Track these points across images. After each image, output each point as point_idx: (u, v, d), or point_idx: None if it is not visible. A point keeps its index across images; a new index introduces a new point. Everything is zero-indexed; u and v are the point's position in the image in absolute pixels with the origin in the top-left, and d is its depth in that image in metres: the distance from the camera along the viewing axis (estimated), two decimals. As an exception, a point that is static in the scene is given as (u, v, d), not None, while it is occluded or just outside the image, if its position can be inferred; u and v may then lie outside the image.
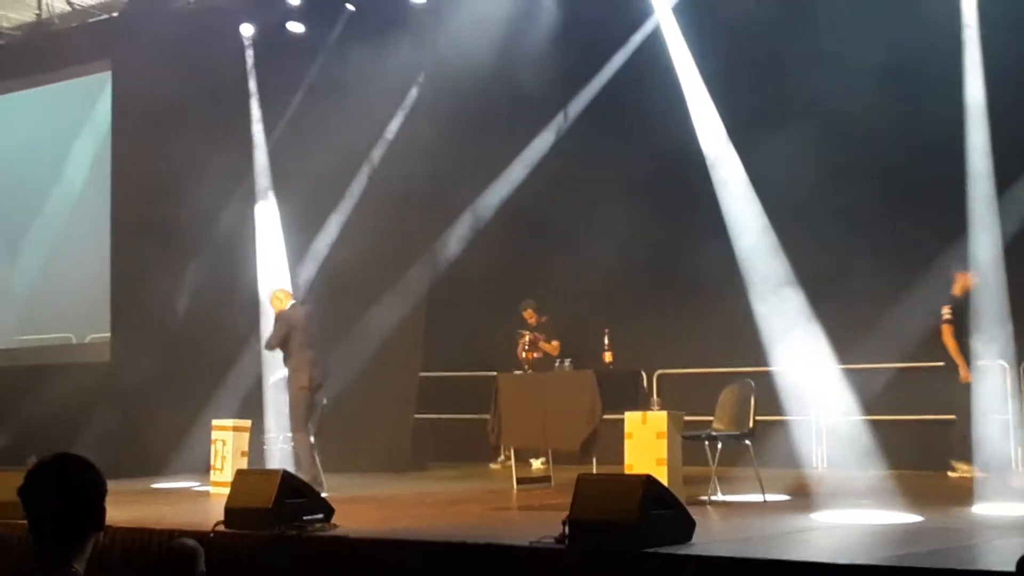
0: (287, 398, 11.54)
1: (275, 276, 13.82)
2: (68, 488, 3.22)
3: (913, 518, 8.21)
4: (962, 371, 10.80)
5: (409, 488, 11.62)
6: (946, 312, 10.94)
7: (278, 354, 11.67)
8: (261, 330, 13.45)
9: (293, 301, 11.66)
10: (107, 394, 14.18)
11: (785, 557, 6.72)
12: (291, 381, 11.41)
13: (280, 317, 11.48)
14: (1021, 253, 10.63)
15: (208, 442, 11.96)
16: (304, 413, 11.21)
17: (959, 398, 10.74)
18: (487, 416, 11.45)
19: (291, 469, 9.56)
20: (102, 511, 3.26)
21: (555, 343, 12.91)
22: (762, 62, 12.04)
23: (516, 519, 9.47)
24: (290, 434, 11.53)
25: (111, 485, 3.29)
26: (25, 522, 3.24)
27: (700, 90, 12.25)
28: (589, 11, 12.85)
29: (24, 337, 16.64)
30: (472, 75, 12.65)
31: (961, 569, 6.19)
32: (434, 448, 14.15)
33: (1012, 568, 5.09)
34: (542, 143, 13.74)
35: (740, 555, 6.73)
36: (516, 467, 11.36)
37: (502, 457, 12.95)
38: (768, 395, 11.17)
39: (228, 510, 8.47)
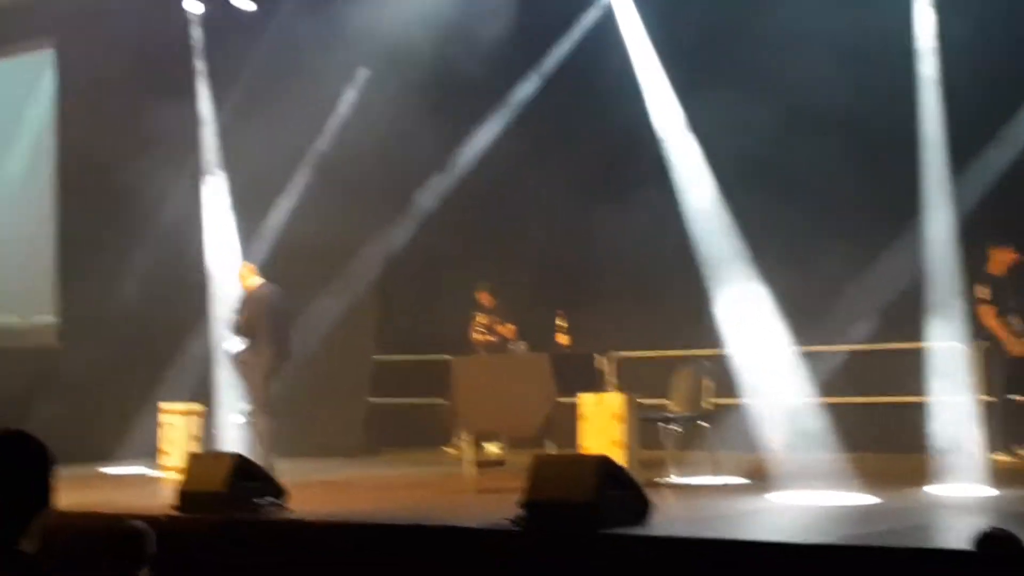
0: (245, 378, 11.39)
1: (225, 256, 13.65)
2: (13, 465, 3.11)
3: (869, 499, 8.21)
4: (1013, 346, 10.65)
5: (362, 472, 11.54)
6: (983, 292, 10.80)
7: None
8: (210, 311, 13.30)
9: (260, 280, 11.55)
10: (54, 378, 13.95)
11: (741, 537, 6.71)
12: (249, 361, 11.28)
13: (248, 299, 11.36)
14: (974, 235, 10.65)
15: (156, 427, 11.82)
16: (264, 394, 11.15)
17: (999, 379, 10.65)
18: (441, 400, 11.39)
19: (246, 453, 9.47)
20: (49, 488, 3.15)
21: (510, 326, 12.86)
22: (716, 42, 12.00)
23: (471, 502, 9.39)
24: (249, 415, 11.40)
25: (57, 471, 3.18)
26: None
27: (654, 70, 12.20)
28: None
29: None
30: (424, 54, 12.54)
31: (917, 547, 6.20)
32: (387, 432, 14.07)
33: (967, 547, 5.10)
34: (495, 124, 13.63)
35: (696, 535, 6.71)
36: (471, 451, 11.29)
37: (456, 441, 12.88)
38: (725, 378, 11.14)
39: (181, 494, 8.37)
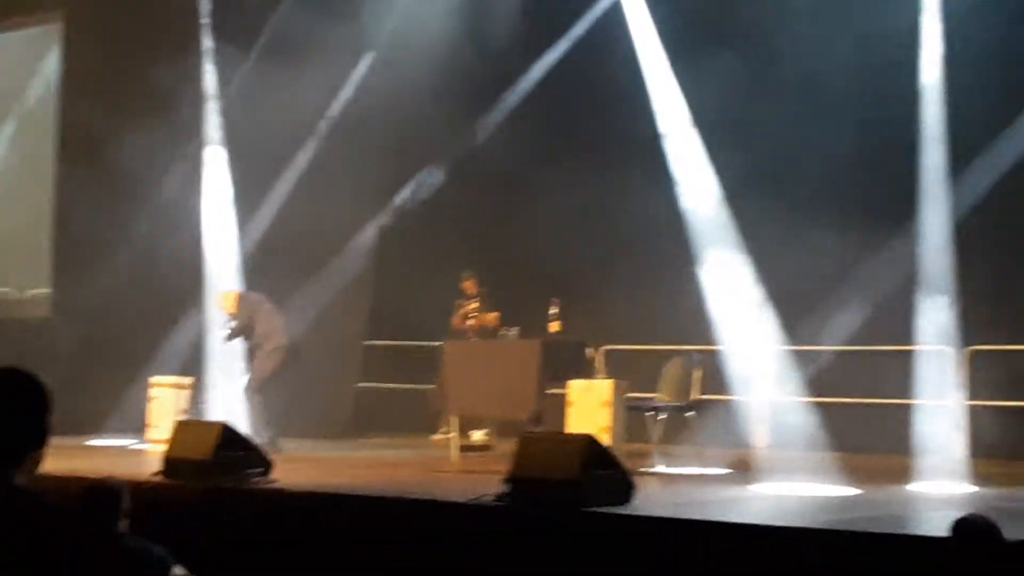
0: (260, 361, 11.56)
1: (221, 234, 13.66)
2: (10, 400, 3.08)
3: (851, 490, 8.25)
4: None
5: (347, 452, 11.56)
6: None
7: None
8: (205, 287, 13.32)
9: (241, 293, 11.87)
10: (46, 349, 13.95)
11: (722, 519, 6.73)
12: (264, 344, 11.49)
13: (242, 313, 11.61)
14: (969, 237, 10.67)
15: (147, 401, 11.83)
16: (270, 375, 11.40)
17: None
18: (431, 387, 11.41)
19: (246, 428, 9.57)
20: (46, 427, 3.11)
21: (494, 314, 12.82)
22: (721, 34, 12.01)
23: (455, 480, 9.42)
24: (244, 393, 11.53)
25: (46, 442, 3.20)
26: None
27: (659, 63, 12.22)
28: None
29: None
30: (427, 41, 12.57)
31: (895, 534, 6.23)
32: (375, 417, 14.07)
33: (944, 535, 5.13)
34: (493, 115, 13.65)
35: (678, 516, 6.74)
36: (458, 437, 11.31)
37: (444, 428, 12.89)
38: (715, 374, 11.17)
39: (166, 460, 8.39)
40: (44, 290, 15.35)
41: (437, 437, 13.15)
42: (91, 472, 8.61)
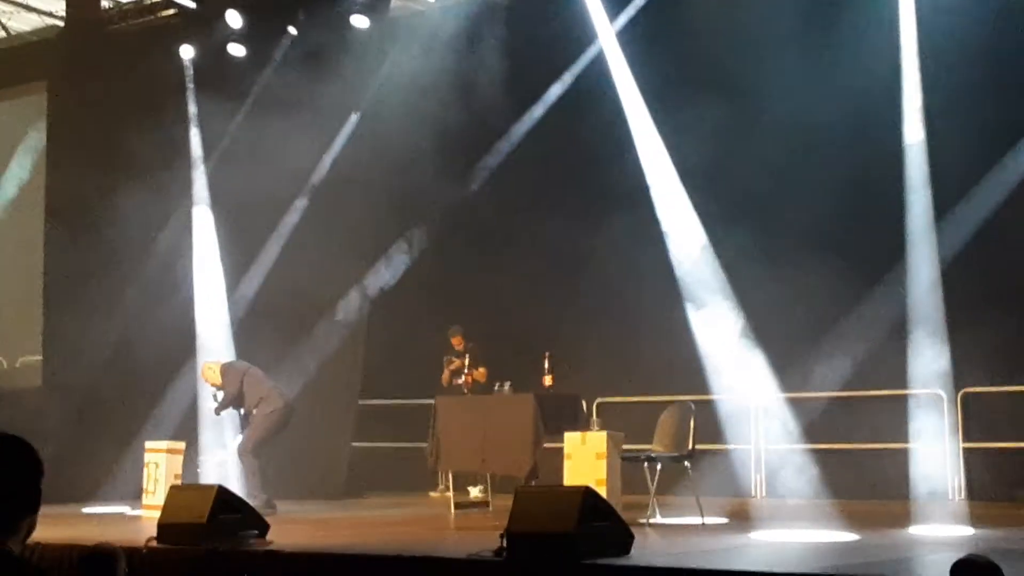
0: (253, 422, 11.57)
1: (211, 298, 13.67)
2: (3, 468, 3.12)
3: (850, 536, 8.23)
4: None
5: (344, 512, 11.50)
6: None
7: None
8: (197, 352, 13.31)
9: (224, 363, 11.91)
10: (38, 418, 13.89)
11: (723, 568, 6.70)
12: (262, 407, 11.49)
13: (225, 384, 11.61)
14: (957, 280, 10.73)
15: (141, 467, 11.76)
16: (266, 437, 11.41)
17: None
18: (424, 444, 11.39)
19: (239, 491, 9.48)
20: (38, 492, 3.15)
21: (482, 370, 12.84)
22: (705, 86, 12.09)
23: (453, 537, 9.37)
24: (238, 456, 11.51)
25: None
26: None
27: (643, 114, 12.32)
28: (534, 34, 12.91)
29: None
30: (411, 101, 12.68)
31: (897, 578, 6.21)
32: (371, 476, 14.00)
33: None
34: (480, 168, 13.73)
35: (679, 566, 6.70)
36: (454, 493, 11.27)
37: (441, 486, 12.85)
38: (708, 423, 11.16)
39: (161, 525, 8.32)
40: (35, 358, 15.31)
41: (435, 494, 13.12)
42: (87, 540, 8.56)
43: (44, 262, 15.36)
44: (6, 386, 15.31)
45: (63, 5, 15.41)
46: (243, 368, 11.78)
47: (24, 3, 15.68)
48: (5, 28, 16.26)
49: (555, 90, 13.30)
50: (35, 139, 15.97)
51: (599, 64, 12.70)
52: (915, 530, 8.71)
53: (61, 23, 15.62)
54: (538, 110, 13.43)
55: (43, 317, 15.25)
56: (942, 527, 8.72)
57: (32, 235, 15.65)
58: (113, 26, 15.13)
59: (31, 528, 3.19)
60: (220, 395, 11.75)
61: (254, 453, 11.35)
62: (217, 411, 11.99)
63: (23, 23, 16.25)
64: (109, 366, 13.85)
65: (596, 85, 12.66)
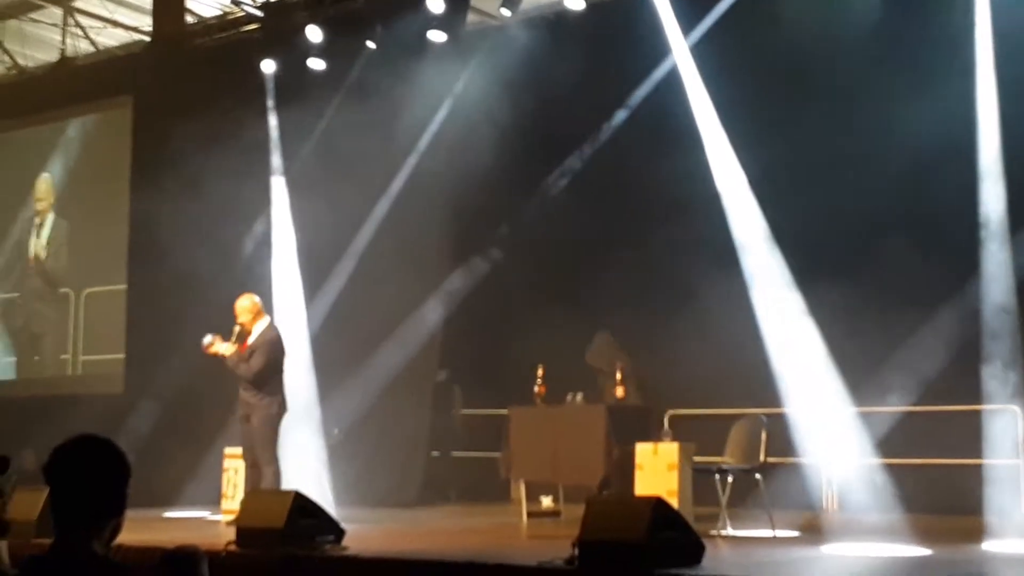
0: (249, 427, 10.41)
1: (290, 308, 13.87)
2: (91, 470, 3.22)
3: (922, 551, 8.22)
4: None
5: (419, 519, 11.64)
6: None
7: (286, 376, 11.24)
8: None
9: (268, 318, 10.68)
10: (119, 424, 14.20)
11: (793, 579, 6.76)
12: (258, 408, 10.29)
13: (267, 341, 10.35)
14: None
15: (221, 473, 11.98)
16: (276, 442, 10.39)
17: None
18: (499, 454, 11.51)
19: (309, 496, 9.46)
20: (124, 495, 3.26)
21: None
22: (779, 101, 12.12)
23: (525, 545, 9.48)
24: (261, 468, 10.29)
25: (122, 515, 3.26)
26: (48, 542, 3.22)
27: (716, 127, 12.36)
28: (608, 48, 12.99)
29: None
30: (489, 114, 12.83)
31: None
32: (447, 485, 14.15)
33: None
34: (559, 179, 13.84)
35: (749, 577, 6.77)
36: (526, 503, 11.37)
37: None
38: (780, 436, 11.16)
39: (240, 530, 8.51)
40: (118, 361, 15.66)
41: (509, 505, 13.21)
42: (168, 543, 8.75)
43: (127, 269, 15.71)
44: (88, 391, 15.64)
45: (149, 21, 15.75)
46: (282, 351, 10.49)
47: (111, 19, 16.04)
48: (94, 43, 16.64)
49: (628, 105, 13.37)
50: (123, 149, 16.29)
51: (674, 79, 12.74)
52: (989, 545, 8.68)
53: (147, 38, 15.96)
54: (612, 124, 13.49)
55: (126, 323, 15.59)
56: (1016, 543, 8.68)
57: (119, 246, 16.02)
58: (197, 41, 15.46)
59: (117, 530, 3.29)
60: (237, 336, 10.41)
61: (275, 462, 10.35)
62: (214, 348, 10.41)
63: (111, 38, 16.61)
64: (190, 372, 14.09)
65: (671, 98, 12.71)
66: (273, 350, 10.38)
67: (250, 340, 10.43)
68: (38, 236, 16.97)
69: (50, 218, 16.90)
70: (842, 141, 11.61)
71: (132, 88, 15.95)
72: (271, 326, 10.59)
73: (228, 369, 10.50)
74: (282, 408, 10.43)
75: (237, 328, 10.50)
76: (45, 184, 16.95)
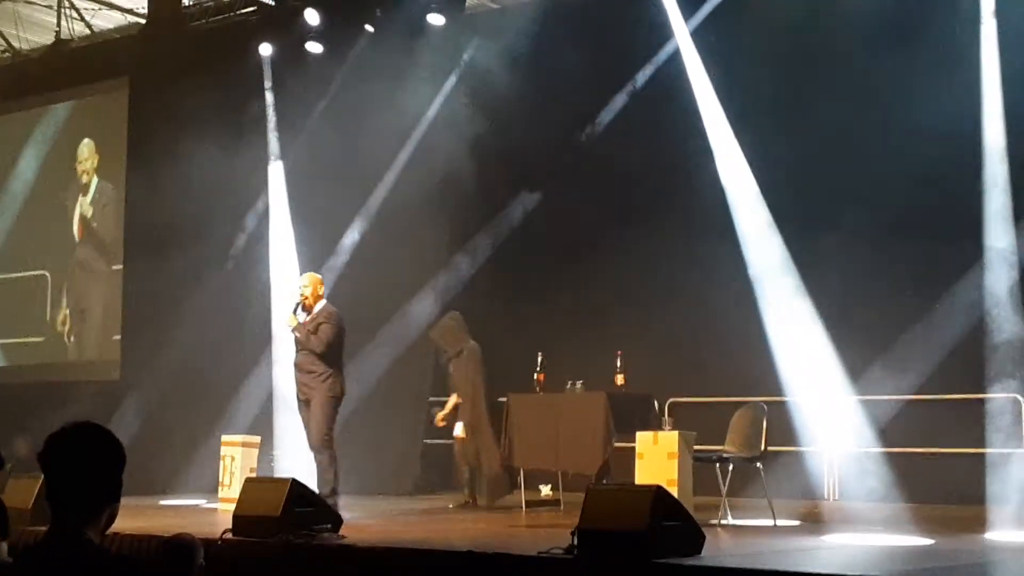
0: (308, 411, 10.24)
1: (287, 294, 13.77)
2: (87, 456, 3.20)
3: (924, 541, 8.15)
4: None
5: (416, 508, 11.58)
6: None
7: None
8: (273, 348, 13.43)
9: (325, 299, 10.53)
10: (115, 411, 14.13)
11: (795, 569, 6.66)
12: (319, 390, 10.13)
13: (333, 314, 10.29)
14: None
15: (217, 460, 11.93)
16: (332, 425, 10.19)
17: None
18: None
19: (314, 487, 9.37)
20: (119, 482, 3.24)
21: None
22: (781, 85, 12.03)
23: (524, 534, 9.41)
24: (315, 452, 10.22)
25: (117, 502, 3.25)
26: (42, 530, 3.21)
27: (718, 111, 12.26)
28: (608, 33, 12.89)
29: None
30: (488, 98, 12.73)
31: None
32: (445, 474, 14.06)
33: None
34: (558, 165, 13.72)
35: (750, 567, 6.68)
36: (525, 492, 11.30)
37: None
38: (781, 425, 11.09)
39: (236, 518, 8.43)
40: (114, 353, 15.57)
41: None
42: (164, 530, 8.69)
43: (123, 256, 15.62)
44: (85, 378, 15.57)
45: (145, 2, 15.63)
46: (344, 331, 10.42)
47: (107, 1, 15.92)
48: (89, 25, 16.52)
49: (629, 90, 13.27)
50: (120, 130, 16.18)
51: (675, 63, 12.64)
52: (992, 535, 8.61)
53: (143, 20, 15.84)
54: (612, 109, 13.39)
55: (122, 311, 15.50)
56: (1018, 532, 8.61)
57: (113, 231, 15.93)
58: (194, 23, 15.34)
59: (112, 517, 3.27)
60: (301, 314, 10.33)
61: (333, 445, 10.25)
62: (294, 325, 10.30)
63: (106, 21, 16.49)
64: (187, 360, 14.05)
65: (672, 83, 12.61)
66: (339, 324, 10.33)
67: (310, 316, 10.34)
68: (84, 195, 16.79)
69: (95, 181, 16.71)
70: (845, 127, 11.53)
71: (128, 71, 15.84)
72: (330, 305, 10.51)
73: (298, 344, 10.32)
74: (343, 390, 10.31)
75: (297, 302, 10.42)
76: (88, 148, 16.79)
